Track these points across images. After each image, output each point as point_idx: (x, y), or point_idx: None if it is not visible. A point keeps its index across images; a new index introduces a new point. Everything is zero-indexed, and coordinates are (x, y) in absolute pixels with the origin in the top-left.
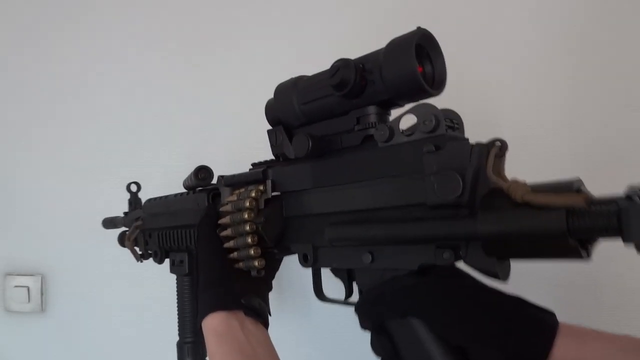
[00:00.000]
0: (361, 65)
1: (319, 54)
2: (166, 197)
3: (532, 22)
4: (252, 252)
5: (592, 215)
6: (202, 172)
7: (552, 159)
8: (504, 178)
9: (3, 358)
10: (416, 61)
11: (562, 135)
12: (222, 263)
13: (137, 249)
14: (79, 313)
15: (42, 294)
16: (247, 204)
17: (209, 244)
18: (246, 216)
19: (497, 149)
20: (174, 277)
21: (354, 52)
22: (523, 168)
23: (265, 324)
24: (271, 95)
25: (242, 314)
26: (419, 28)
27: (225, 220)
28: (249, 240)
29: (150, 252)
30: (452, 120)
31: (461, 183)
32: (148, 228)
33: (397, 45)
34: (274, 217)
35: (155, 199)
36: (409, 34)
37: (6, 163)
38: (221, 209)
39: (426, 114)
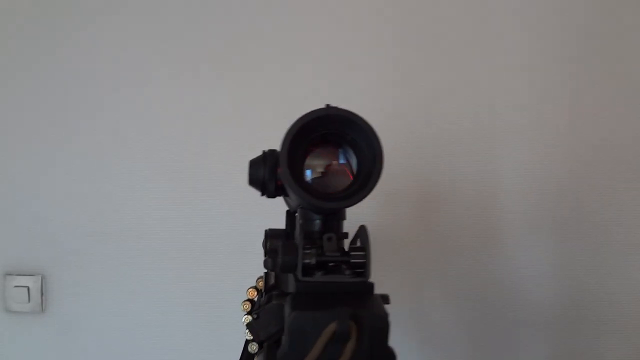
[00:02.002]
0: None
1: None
2: None
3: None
4: (252, 346)
5: None
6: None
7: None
8: None
9: (3, 358)
10: (285, 161)
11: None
12: None
13: None
14: (79, 313)
15: (42, 294)
16: (248, 293)
17: None
18: (242, 307)
19: None
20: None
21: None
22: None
23: None
24: None
25: None
26: (327, 106)
27: None
28: (247, 332)
29: None
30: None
31: None
32: None
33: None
34: (269, 315)
35: None
36: (302, 117)
37: (6, 163)
38: None
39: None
